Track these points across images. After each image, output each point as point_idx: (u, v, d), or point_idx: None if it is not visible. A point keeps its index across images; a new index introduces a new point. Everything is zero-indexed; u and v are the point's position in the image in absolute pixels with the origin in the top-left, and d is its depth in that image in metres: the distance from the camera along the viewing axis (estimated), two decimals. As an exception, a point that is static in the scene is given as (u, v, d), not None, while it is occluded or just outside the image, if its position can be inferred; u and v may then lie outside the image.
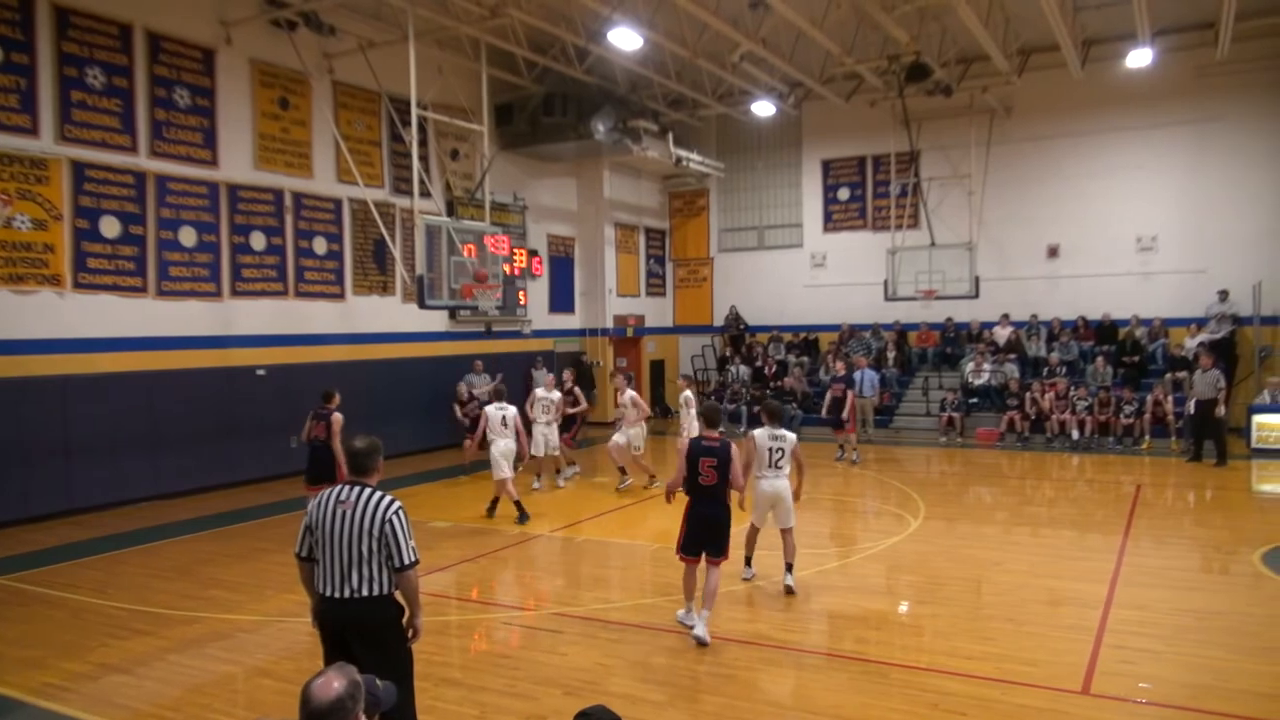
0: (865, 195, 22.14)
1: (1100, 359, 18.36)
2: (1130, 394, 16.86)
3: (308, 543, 4.45)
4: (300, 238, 14.96)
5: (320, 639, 4.50)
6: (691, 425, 13.16)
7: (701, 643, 6.63)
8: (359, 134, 16.00)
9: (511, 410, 11.34)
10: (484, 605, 8.09)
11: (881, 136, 20.73)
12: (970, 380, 19.11)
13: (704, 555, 6.91)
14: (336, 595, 4.32)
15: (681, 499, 7.16)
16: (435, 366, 17.10)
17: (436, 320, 17.71)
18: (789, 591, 7.87)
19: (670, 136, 20.75)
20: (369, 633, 4.33)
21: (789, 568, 8.00)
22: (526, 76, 18.11)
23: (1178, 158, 18.85)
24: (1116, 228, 19.37)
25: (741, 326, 23.36)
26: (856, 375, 16.50)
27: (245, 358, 14.01)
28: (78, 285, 11.91)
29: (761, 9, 14.53)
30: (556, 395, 13.19)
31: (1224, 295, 18.05)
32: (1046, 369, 18.49)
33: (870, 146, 21.59)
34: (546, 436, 12.91)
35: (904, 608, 7.95)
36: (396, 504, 4.39)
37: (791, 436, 7.94)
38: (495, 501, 11.38)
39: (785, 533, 8.05)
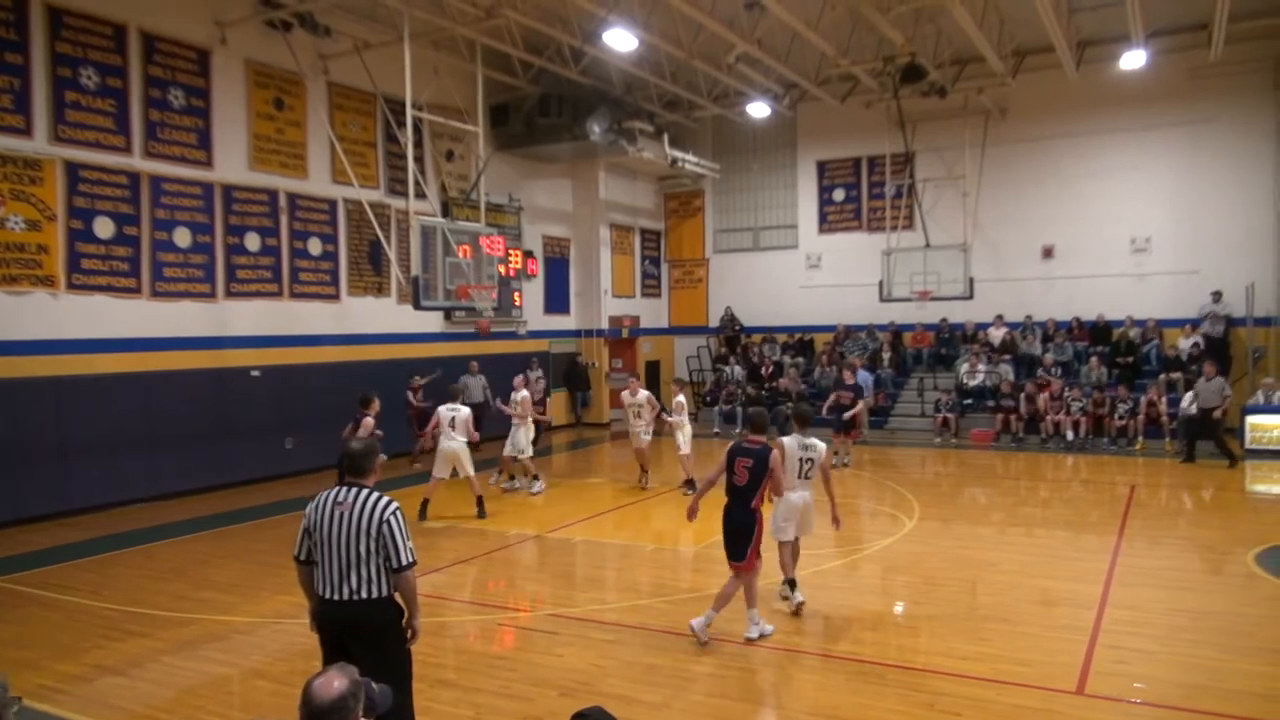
0: (860, 196, 22.18)
1: (1094, 360, 18.41)
2: (1124, 394, 16.92)
3: (306, 545, 4.44)
4: (295, 239, 14.93)
5: (319, 641, 4.50)
6: (685, 428, 13.18)
7: (697, 635, 6.68)
8: (354, 135, 15.98)
9: (464, 412, 11.24)
10: (479, 606, 8.08)
11: (876, 138, 20.74)
12: (965, 381, 19.16)
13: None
14: (335, 597, 4.32)
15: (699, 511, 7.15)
16: (431, 367, 17.06)
17: (432, 321, 17.70)
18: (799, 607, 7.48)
19: (665, 137, 20.79)
20: (368, 634, 4.32)
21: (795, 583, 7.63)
22: (522, 77, 18.11)
23: (1171, 159, 18.94)
24: (1111, 229, 19.44)
25: (737, 327, 23.36)
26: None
27: (240, 359, 13.97)
28: (72, 286, 11.88)
29: (757, 10, 14.56)
30: (524, 394, 12.91)
31: (1217, 296, 18.11)
32: (1041, 370, 18.54)
33: (865, 148, 21.62)
34: (514, 438, 12.75)
35: (899, 608, 7.96)
36: (394, 505, 4.39)
37: (821, 446, 7.51)
38: (425, 503, 11.30)
39: (796, 541, 7.82)
